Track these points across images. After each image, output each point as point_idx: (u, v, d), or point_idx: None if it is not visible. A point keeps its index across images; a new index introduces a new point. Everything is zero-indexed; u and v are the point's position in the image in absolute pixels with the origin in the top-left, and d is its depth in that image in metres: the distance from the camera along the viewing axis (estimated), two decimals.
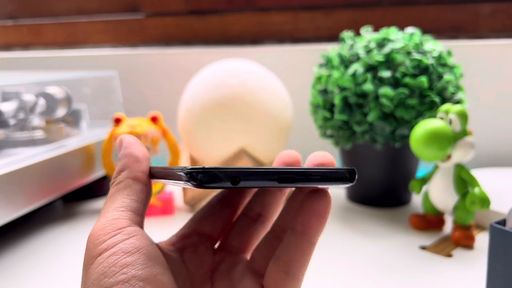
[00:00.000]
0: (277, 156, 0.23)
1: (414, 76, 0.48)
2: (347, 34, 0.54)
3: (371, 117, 0.48)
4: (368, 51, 0.50)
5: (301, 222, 0.19)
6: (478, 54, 0.66)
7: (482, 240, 0.44)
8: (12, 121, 0.52)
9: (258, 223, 0.24)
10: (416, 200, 0.56)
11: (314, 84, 0.55)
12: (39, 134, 0.53)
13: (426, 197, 0.47)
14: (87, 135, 0.59)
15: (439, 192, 0.45)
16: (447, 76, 0.48)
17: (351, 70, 0.49)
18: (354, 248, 0.43)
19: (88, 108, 0.64)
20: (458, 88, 0.51)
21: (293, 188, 0.22)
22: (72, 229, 0.50)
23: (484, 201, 0.41)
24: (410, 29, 0.52)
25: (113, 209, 0.20)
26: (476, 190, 0.42)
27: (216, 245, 0.25)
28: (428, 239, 0.45)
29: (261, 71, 0.59)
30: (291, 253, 0.20)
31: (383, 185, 0.54)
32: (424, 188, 0.48)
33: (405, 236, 0.46)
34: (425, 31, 0.69)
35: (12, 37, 0.88)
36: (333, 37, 0.73)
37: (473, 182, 0.43)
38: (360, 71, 0.48)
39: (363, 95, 0.48)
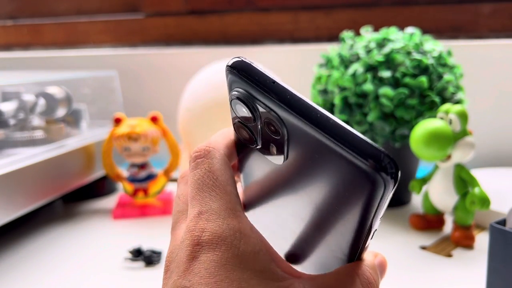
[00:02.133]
0: None
1: (414, 76, 0.48)
2: (347, 34, 0.54)
3: (371, 117, 0.48)
4: (368, 51, 0.50)
5: None
6: (478, 54, 0.66)
7: (482, 240, 0.44)
8: (12, 121, 0.52)
9: None
10: (416, 200, 0.56)
11: (314, 84, 0.55)
12: (39, 134, 0.53)
13: (426, 197, 0.47)
14: (87, 135, 0.59)
15: (439, 192, 0.45)
16: (447, 76, 0.48)
17: (351, 70, 0.49)
18: None
19: (88, 108, 0.64)
20: (458, 88, 0.51)
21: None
22: (72, 229, 0.50)
23: (484, 201, 0.41)
24: (410, 29, 0.52)
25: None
26: (476, 190, 0.42)
27: None
28: (428, 239, 0.45)
29: None
30: None
31: None
32: (424, 188, 0.48)
33: (405, 236, 0.46)
34: (425, 31, 0.69)
35: (12, 37, 0.88)
36: (333, 37, 0.73)
37: (473, 182, 0.43)
38: (360, 71, 0.48)
39: (363, 95, 0.48)
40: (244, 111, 0.17)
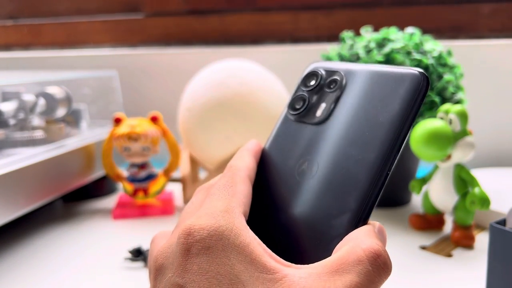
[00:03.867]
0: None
1: None
2: (347, 34, 0.54)
3: None
4: (368, 51, 0.50)
5: None
6: (478, 54, 0.66)
7: (482, 240, 0.44)
8: (12, 121, 0.52)
9: None
10: (416, 200, 0.56)
11: None
12: (39, 134, 0.53)
13: (426, 197, 0.47)
14: (87, 135, 0.60)
15: (439, 192, 0.45)
16: (447, 76, 0.48)
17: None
18: None
19: (88, 108, 0.64)
20: (458, 88, 0.51)
21: None
22: (72, 229, 0.50)
23: (484, 201, 0.41)
24: (410, 29, 0.52)
25: None
26: (476, 190, 0.42)
27: None
28: (428, 239, 0.45)
29: (261, 71, 0.59)
30: None
31: None
32: (424, 188, 0.48)
33: (405, 236, 0.46)
34: (425, 31, 0.69)
35: (12, 37, 0.88)
36: (333, 37, 0.73)
37: (473, 182, 0.43)
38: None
39: None
40: (312, 81, 0.23)
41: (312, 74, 0.23)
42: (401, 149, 0.19)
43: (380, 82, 0.21)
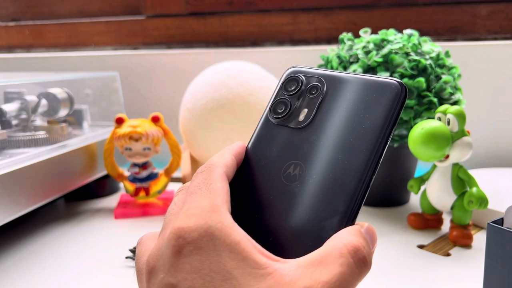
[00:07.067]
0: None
1: (412, 77, 0.48)
2: (346, 36, 0.54)
3: None
4: (367, 52, 0.50)
5: None
6: (476, 55, 0.67)
7: (480, 239, 0.44)
8: (14, 121, 0.53)
9: None
10: (414, 199, 0.57)
11: None
12: (41, 134, 0.53)
13: (424, 197, 0.47)
14: (88, 135, 0.60)
15: (437, 192, 0.45)
16: (445, 77, 0.49)
17: (350, 71, 0.50)
18: None
19: (90, 108, 0.65)
20: (456, 88, 0.51)
21: None
22: (74, 228, 0.51)
23: (482, 201, 0.42)
24: (408, 31, 0.53)
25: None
26: (474, 189, 0.42)
27: None
28: (426, 238, 0.45)
29: (261, 72, 0.59)
30: None
31: (381, 185, 0.54)
32: (422, 187, 0.48)
33: (403, 235, 0.46)
34: (423, 32, 0.69)
35: (14, 39, 0.89)
36: (332, 39, 0.74)
37: (471, 181, 0.43)
38: (359, 72, 0.49)
39: None
40: (293, 86, 0.24)
41: (293, 79, 0.24)
42: (384, 154, 0.20)
43: (362, 91, 0.22)
